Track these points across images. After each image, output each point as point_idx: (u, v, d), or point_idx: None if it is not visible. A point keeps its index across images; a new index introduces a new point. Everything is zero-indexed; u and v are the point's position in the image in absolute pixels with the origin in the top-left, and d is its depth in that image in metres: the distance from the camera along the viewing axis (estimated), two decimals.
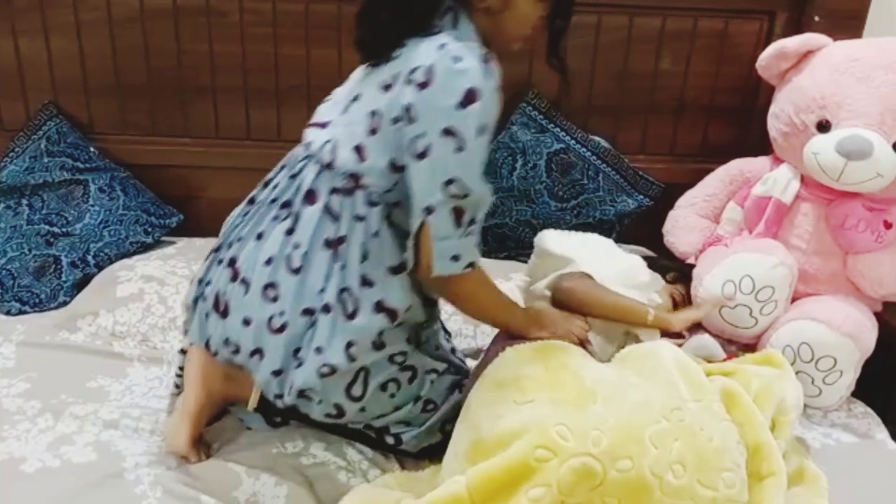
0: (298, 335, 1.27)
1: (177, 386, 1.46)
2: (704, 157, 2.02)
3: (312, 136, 1.32)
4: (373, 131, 1.23)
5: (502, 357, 1.29)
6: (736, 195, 1.84)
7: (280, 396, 1.30)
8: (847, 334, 1.55)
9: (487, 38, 1.25)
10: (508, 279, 1.74)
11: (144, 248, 1.94)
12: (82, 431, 1.39)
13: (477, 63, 1.16)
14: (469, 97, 1.14)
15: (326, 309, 1.25)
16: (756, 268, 1.59)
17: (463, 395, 1.35)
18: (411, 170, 1.20)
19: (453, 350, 1.53)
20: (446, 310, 1.51)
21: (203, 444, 1.37)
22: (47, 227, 1.87)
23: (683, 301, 1.66)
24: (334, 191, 1.26)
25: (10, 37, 1.88)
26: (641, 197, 2.00)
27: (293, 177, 1.32)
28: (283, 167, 1.37)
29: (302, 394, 1.28)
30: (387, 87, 1.22)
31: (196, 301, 1.37)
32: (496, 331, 1.43)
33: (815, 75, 1.68)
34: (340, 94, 1.35)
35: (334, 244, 1.26)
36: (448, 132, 1.15)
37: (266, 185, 1.37)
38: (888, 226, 1.63)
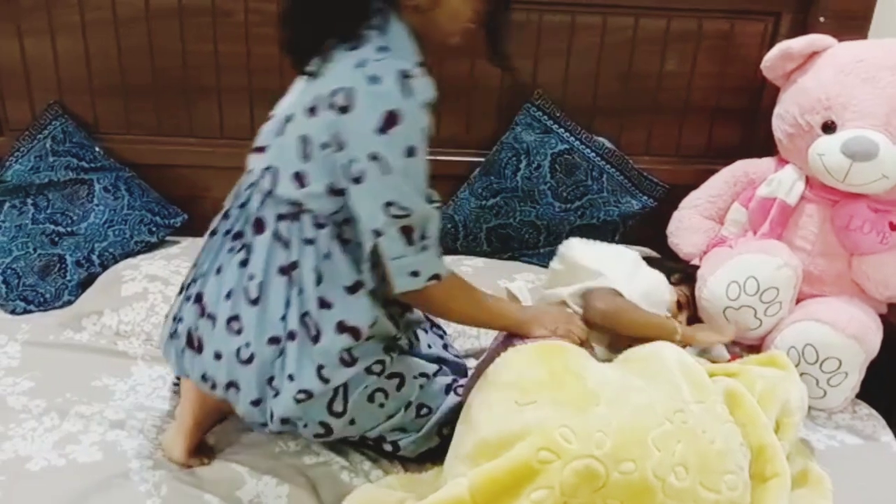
0: (268, 364, 1.26)
1: (175, 390, 1.47)
2: (709, 158, 2.02)
3: (254, 162, 1.30)
4: (306, 157, 1.20)
5: (504, 357, 1.29)
6: (740, 196, 1.84)
7: (265, 424, 1.30)
8: (852, 336, 1.55)
9: (421, 35, 1.22)
10: (513, 279, 1.74)
11: (149, 247, 1.94)
12: (88, 431, 1.40)
13: (394, 83, 1.12)
14: (389, 121, 1.11)
15: (292, 336, 1.24)
16: (761, 269, 1.59)
17: (462, 396, 1.35)
18: (351, 194, 1.18)
19: (446, 346, 1.52)
20: None
21: (205, 450, 1.38)
22: (52, 226, 1.87)
23: (688, 302, 1.65)
24: (280, 217, 1.24)
25: (16, 37, 1.89)
26: (646, 198, 1.99)
27: (242, 206, 1.30)
28: (235, 196, 1.34)
29: (285, 421, 1.28)
30: (311, 111, 1.19)
31: (172, 336, 1.35)
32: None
33: (820, 76, 1.67)
34: (280, 110, 1.30)
35: (288, 270, 1.24)
36: (374, 157, 1.13)
37: (224, 215, 1.35)
38: (893, 227, 1.63)
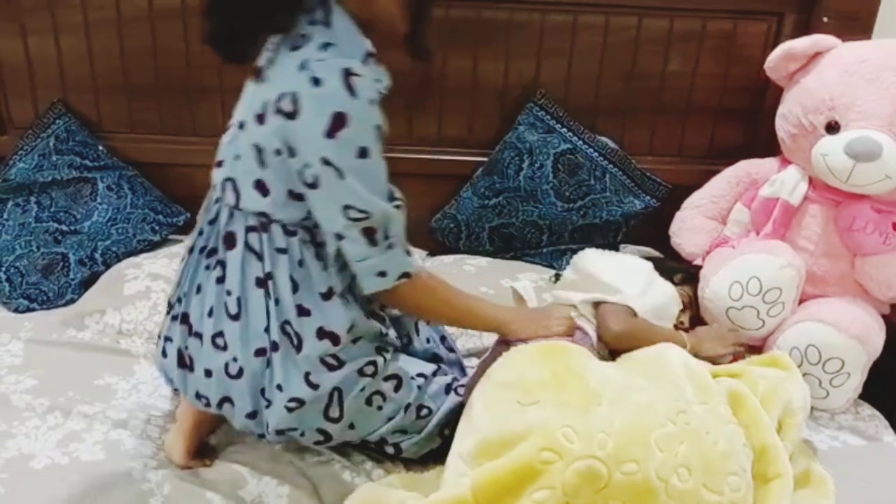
0: (258, 376, 1.25)
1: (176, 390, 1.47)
2: (712, 159, 2.02)
3: (216, 176, 1.28)
4: (263, 164, 1.18)
5: (506, 357, 1.29)
6: (743, 196, 1.84)
7: (263, 435, 1.30)
8: (855, 336, 1.54)
9: (367, 23, 1.18)
10: (516, 279, 1.74)
11: (152, 246, 1.94)
12: (91, 430, 1.40)
13: (338, 83, 1.09)
14: (336, 123, 1.08)
15: (275, 346, 1.24)
16: (763, 269, 1.59)
17: (464, 396, 1.35)
18: (309, 199, 1.17)
19: (443, 338, 1.51)
20: None
21: (207, 451, 1.38)
22: (55, 224, 1.87)
23: (690, 303, 1.65)
24: (250, 229, 1.23)
25: (20, 36, 1.89)
26: (648, 198, 1.99)
27: (211, 223, 1.29)
28: (206, 211, 1.32)
29: (281, 433, 1.28)
30: (260, 119, 1.16)
31: (164, 356, 1.35)
32: None
33: (823, 76, 1.67)
34: (235, 117, 1.27)
35: (264, 282, 1.24)
36: (327, 162, 1.11)
37: (199, 232, 1.33)
38: None
